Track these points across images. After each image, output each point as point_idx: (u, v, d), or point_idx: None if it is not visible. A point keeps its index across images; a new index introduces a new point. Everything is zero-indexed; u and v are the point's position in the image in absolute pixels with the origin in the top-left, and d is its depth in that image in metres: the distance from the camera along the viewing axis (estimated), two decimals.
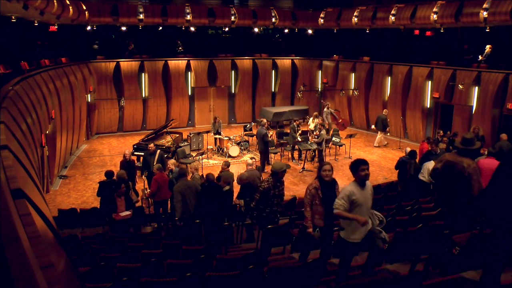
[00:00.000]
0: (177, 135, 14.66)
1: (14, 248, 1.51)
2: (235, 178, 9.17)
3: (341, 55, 20.33)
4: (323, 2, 20.31)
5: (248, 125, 17.52)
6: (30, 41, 13.96)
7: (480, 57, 14.38)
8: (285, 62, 21.34)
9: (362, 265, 4.78)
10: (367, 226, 4.28)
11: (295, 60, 21.47)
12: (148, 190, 9.45)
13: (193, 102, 19.77)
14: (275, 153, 14.41)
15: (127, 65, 18.16)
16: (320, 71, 21.40)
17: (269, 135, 13.62)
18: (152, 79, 18.60)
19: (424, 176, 8.69)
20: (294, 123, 14.30)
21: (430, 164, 8.31)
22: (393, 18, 16.34)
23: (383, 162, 14.53)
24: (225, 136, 15.49)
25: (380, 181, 12.22)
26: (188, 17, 17.74)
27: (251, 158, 9.38)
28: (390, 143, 16.73)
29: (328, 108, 17.40)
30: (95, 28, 17.35)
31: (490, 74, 13.72)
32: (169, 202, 8.93)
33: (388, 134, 16.54)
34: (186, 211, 7.09)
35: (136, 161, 12.48)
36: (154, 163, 10.01)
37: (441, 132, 12.96)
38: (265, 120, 14.24)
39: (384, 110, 16.49)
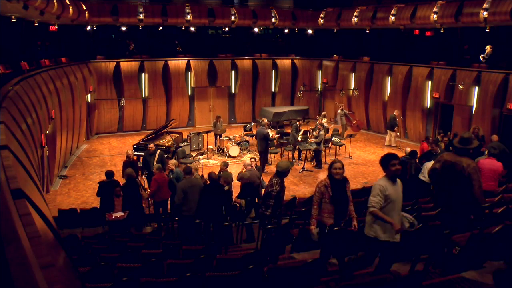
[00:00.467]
0: (177, 135, 14.66)
1: (14, 248, 1.51)
2: (234, 178, 9.19)
3: (341, 55, 20.33)
4: (323, 2, 20.30)
5: (248, 125, 17.52)
6: (30, 41, 13.95)
7: (481, 58, 14.34)
8: (285, 62, 21.34)
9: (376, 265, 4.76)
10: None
11: (295, 60, 21.47)
12: (148, 190, 9.45)
13: (193, 102, 19.77)
14: (275, 153, 14.41)
15: (127, 65, 18.16)
16: (320, 71, 21.39)
17: (270, 135, 13.61)
18: (152, 79, 18.60)
19: (424, 176, 8.69)
20: (297, 123, 14.31)
21: (431, 164, 8.30)
22: (393, 18, 16.33)
23: None
24: (225, 136, 15.50)
25: None
26: (188, 17, 17.74)
27: (251, 159, 9.40)
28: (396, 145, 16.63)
29: (342, 110, 17.14)
30: (95, 28, 17.36)
31: (490, 74, 13.72)
32: (169, 202, 8.94)
33: (398, 134, 16.28)
34: (188, 209, 7.08)
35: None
36: (154, 163, 10.02)
37: (442, 132, 12.97)
38: (265, 120, 14.25)
39: (395, 111, 16.22)
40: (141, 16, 17.05)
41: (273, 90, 21.42)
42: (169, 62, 18.89)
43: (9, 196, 2.20)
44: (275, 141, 14.51)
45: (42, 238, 1.80)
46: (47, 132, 10.67)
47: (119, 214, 7.83)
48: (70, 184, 12.34)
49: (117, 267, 4.45)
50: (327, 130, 15.19)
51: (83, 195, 11.50)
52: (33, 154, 7.31)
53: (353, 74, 19.43)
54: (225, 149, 14.86)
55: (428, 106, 16.37)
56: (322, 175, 13.20)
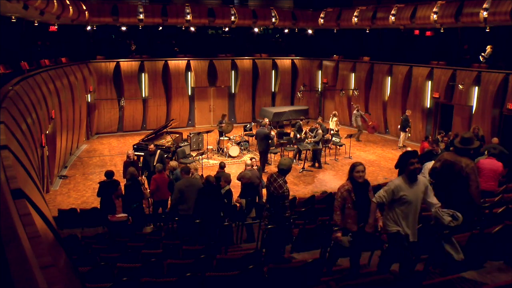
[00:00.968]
0: (177, 135, 14.66)
1: (14, 248, 1.51)
2: (233, 178, 9.17)
3: (341, 55, 20.33)
4: (323, 2, 20.30)
5: (248, 125, 17.52)
6: (30, 41, 13.95)
7: (481, 57, 14.33)
8: (285, 62, 21.34)
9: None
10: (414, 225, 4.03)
11: (295, 60, 21.47)
12: (148, 190, 9.46)
13: (193, 102, 19.77)
14: (275, 153, 14.40)
15: (127, 65, 18.16)
16: (320, 71, 21.40)
17: (272, 135, 13.61)
18: (152, 79, 18.60)
19: (424, 175, 8.65)
20: (300, 122, 14.31)
21: (431, 164, 8.29)
22: (393, 18, 16.33)
23: (383, 162, 14.53)
24: (225, 136, 15.50)
25: (380, 181, 12.20)
26: (188, 17, 17.74)
27: (251, 159, 9.39)
28: (396, 145, 16.61)
29: (358, 111, 16.98)
30: (95, 28, 17.36)
31: (490, 74, 13.72)
32: (169, 202, 8.94)
33: (409, 135, 16.01)
34: (186, 209, 7.08)
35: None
36: (154, 163, 10.01)
37: (443, 132, 12.96)
38: (266, 120, 14.24)
39: (407, 111, 15.95)
40: (141, 16, 17.06)
41: (273, 90, 21.42)
42: (169, 62, 18.89)
43: (9, 196, 2.20)
44: (275, 141, 14.51)
45: (42, 238, 1.80)
46: (47, 132, 10.67)
47: (121, 215, 7.83)
48: (70, 184, 12.34)
49: (117, 267, 4.45)
50: (326, 130, 15.19)
51: (83, 195, 11.50)
52: (33, 154, 7.30)
53: (353, 74, 19.43)
54: (225, 149, 14.86)
55: (428, 106, 16.37)
56: (322, 175, 13.20)
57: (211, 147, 15.50)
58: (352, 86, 19.25)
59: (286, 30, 20.99)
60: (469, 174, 4.88)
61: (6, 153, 3.47)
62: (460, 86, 14.38)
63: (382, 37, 19.10)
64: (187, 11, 17.75)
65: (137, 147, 13.31)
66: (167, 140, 14.15)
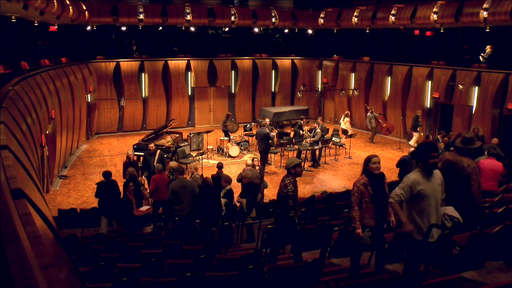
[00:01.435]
0: (177, 135, 14.66)
1: (14, 248, 1.51)
2: (233, 178, 9.17)
3: (341, 55, 20.33)
4: (323, 2, 20.31)
5: (248, 125, 17.52)
6: (30, 41, 13.95)
7: (481, 57, 14.32)
8: (285, 62, 21.34)
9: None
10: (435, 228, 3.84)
11: (295, 60, 21.47)
12: (147, 190, 9.46)
13: (193, 102, 19.77)
14: (275, 153, 14.40)
15: (127, 65, 18.16)
16: (320, 71, 21.40)
17: (272, 135, 13.59)
18: (152, 79, 18.60)
19: None
20: (301, 122, 14.31)
21: None
22: (393, 18, 16.34)
23: (383, 162, 14.41)
24: (225, 136, 15.50)
25: None
26: (188, 17, 17.74)
27: (253, 159, 9.38)
28: (403, 145, 16.47)
29: (372, 112, 16.73)
30: (95, 28, 17.36)
31: (490, 74, 13.72)
32: None
33: (421, 134, 15.66)
34: (181, 210, 7.09)
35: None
36: (154, 163, 10.01)
37: (443, 132, 12.96)
38: (267, 120, 14.25)
39: (418, 111, 15.70)
40: (141, 16, 17.06)
41: (273, 90, 21.42)
42: (169, 62, 18.89)
43: (9, 196, 2.20)
44: (275, 141, 14.50)
45: (42, 238, 1.80)
46: (47, 132, 10.67)
47: (145, 208, 7.91)
48: (70, 184, 12.34)
49: (117, 267, 4.45)
50: (327, 130, 15.19)
51: (83, 195, 11.50)
52: (33, 154, 7.30)
53: (353, 74, 19.43)
54: (225, 149, 14.85)
55: (428, 106, 16.37)
56: (322, 175, 13.19)
57: (211, 147, 15.50)
58: (352, 86, 19.26)
59: (286, 30, 20.99)
60: (470, 174, 4.88)
61: (6, 153, 3.46)
62: (460, 86, 14.37)
63: (382, 37, 19.10)
64: (187, 11, 17.75)
65: (137, 147, 13.31)
66: (167, 140, 14.15)
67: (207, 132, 15.58)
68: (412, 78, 16.75)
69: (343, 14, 18.90)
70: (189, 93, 19.59)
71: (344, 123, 16.32)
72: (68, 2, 13.54)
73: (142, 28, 17.77)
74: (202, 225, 7.00)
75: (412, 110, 16.77)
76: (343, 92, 18.69)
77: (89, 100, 17.23)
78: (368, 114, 16.93)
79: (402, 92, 17.08)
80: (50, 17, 12.55)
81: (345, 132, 15.98)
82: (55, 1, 11.67)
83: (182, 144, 14.02)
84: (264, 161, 13.05)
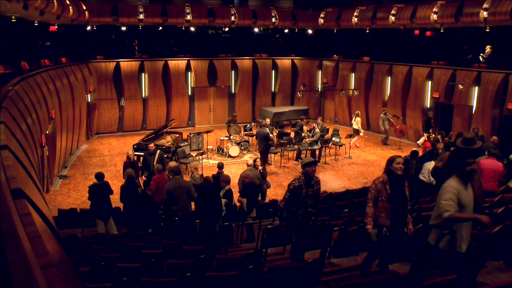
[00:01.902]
0: (177, 135, 14.66)
1: (14, 248, 1.51)
2: (233, 178, 9.18)
3: (341, 55, 20.33)
4: (323, 2, 20.31)
5: (248, 125, 17.52)
6: (30, 41, 13.96)
7: (481, 57, 14.31)
8: (285, 62, 21.34)
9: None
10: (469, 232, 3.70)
11: (295, 60, 21.47)
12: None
13: (193, 102, 19.77)
14: (275, 153, 14.40)
15: (127, 65, 18.16)
16: (320, 71, 21.40)
17: (272, 135, 13.59)
18: (152, 79, 18.61)
19: (424, 176, 8.69)
20: (302, 122, 14.31)
21: (430, 164, 8.31)
22: (393, 18, 16.34)
23: (383, 162, 14.42)
24: (225, 136, 15.51)
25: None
26: (188, 17, 17.74)
27: (255, 160, 9.38)
28: (403, 146, 16.38)
29: (385, 114, 16.48)
30: (95, 28, 17.36)
31: (490, 74, 13.72)
32: None
33: (433, 135, 15.08)
34: (177, 210, 7.09)
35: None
36: (154, 163, 10.01)
37: (443, 132, 12.96)
38: (268, 120, 14.23)
39: (429, 112, 15.50)
40: (141, 16, 17.06)
41: (273, 90, 21.42)
42: (169, 62, 18.89)
43: (9, 196, 2.20)
44: (275, 141, 14.50)
45: (42, 238, 1.80)
46: (47, 132, 10.67)
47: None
48: (70, 184, 12.34)
49: (117, 267, 4.45)
50: (326, 130, 15.18)
51: (83, 195, 11.49)
52: (33, 154, 7.30)
53: (353, 74, 19.43)
54: (225, 149, 14.85)
55: (428, 106, 16.36)
56: (322, 175, 13.18)
57: (211, 147, 15.50)
58: (352, 86, 19.26)
59: (286, 30, 20.98)
60: None
61: (6, 153, 3.46)
62: (460, 86, 14.37)
63: (382, 37, 19.10)
64: (187, 11, 17.75)
65: (137, 147, 13.31)
66: (167, 140, 14.15)
67: (207, 132, 15.58)
68: (412, 78, 16.75)
69: (343, 14, 18.90)
70: (189, 93, 19.59)
71: (356, 123, 16.20)
72: (68, 2, 13.54)
73: (142, 28, 17.77)
74: (202, 224, 7.00)
75: (412, 110, 16.78)
76: (343, 92, 18.69)
77: (89, 100, 17.23)
78: (381, 115, 16.59)
79: (402, 92, 17.08)
80: (50, 17, 12.55)
81: (356, 131, 15.89)
82: (55, 1, 11.67)
83: (182, 144, 14.02)
84: (264, 161, 13.06)
